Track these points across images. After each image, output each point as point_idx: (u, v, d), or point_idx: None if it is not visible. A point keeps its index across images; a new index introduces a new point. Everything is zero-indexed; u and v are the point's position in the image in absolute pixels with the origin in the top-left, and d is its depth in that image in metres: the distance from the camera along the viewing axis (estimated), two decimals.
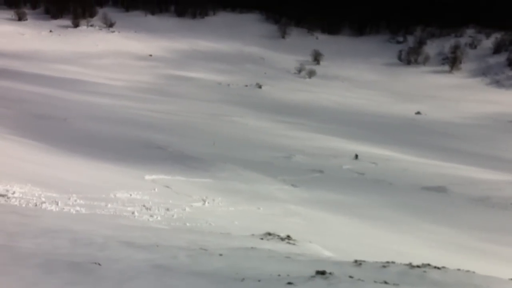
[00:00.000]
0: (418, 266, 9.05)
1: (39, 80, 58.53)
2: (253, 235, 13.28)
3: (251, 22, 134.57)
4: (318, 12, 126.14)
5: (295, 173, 30.28)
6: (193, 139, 37.61)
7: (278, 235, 13.33)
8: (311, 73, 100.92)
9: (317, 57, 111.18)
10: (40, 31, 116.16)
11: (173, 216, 15.86)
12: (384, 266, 9.02)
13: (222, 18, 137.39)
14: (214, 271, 8.09)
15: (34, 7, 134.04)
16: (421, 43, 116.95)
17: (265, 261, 9.19)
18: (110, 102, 50.84)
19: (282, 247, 11.94)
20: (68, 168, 21.77)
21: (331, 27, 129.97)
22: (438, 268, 8.98)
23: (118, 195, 17.45)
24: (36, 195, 14.75)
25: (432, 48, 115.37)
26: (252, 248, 10.63)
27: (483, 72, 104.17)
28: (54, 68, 77.45)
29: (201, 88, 76.06)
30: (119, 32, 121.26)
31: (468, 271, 9.00)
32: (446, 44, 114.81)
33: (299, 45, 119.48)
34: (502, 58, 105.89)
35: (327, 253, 12.37)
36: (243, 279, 7.53)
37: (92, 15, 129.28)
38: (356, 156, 36.37)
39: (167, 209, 16.54)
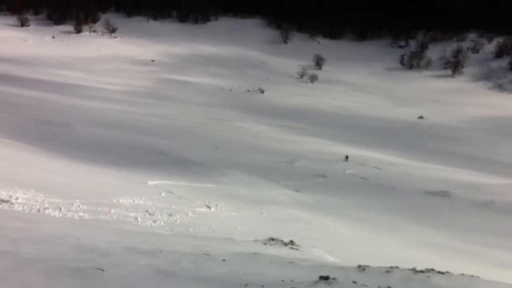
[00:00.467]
0: (422, 271, 9.00)
1: (41, 86, 58.85)
2: (256, 240, 13.27)
3: (253, 27, 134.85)
4: (320, 17, 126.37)
5: (298, 178, 30.28)
6: (196, 144, 37.67)
7: (281, 240, 13.32)
8: (313, 78, 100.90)
9: (319, 62, 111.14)
10: (43, 36, 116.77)
11: (176, 221, 15.87)
12: (387, 271, 8.98)
13: (224, 23, 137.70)
14: (217, 276, 8.07)
15: (36, 13, 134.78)
16: (423, 47, 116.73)
17: (268, 267, 9.16)
18: (112, 107, 51.00)
19: (286, 252, 11.92)
20: (71, 174, 21.78)
21: (333, 32, 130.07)
22: (442, 273, 8.93)
23: (121, 201, 17.46)
24: (40, 201, 14.77)
25: (434, 52, 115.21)
26: (255, 253, 10.61)
27: (486, 76, 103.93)
28: (56, 73, 77.77)
29: (203, 93, 76.17)
30: (121, 37, 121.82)
31: (472, 276, 8.95)
32: (448, 49, 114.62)
33: (301, 50, 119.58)
34: (504, 62, 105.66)
35: (330, 258, 12.35)
36: (246, 285, 7.52)
37: (94, 20, 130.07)
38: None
39: (170, 215, 16.55)
